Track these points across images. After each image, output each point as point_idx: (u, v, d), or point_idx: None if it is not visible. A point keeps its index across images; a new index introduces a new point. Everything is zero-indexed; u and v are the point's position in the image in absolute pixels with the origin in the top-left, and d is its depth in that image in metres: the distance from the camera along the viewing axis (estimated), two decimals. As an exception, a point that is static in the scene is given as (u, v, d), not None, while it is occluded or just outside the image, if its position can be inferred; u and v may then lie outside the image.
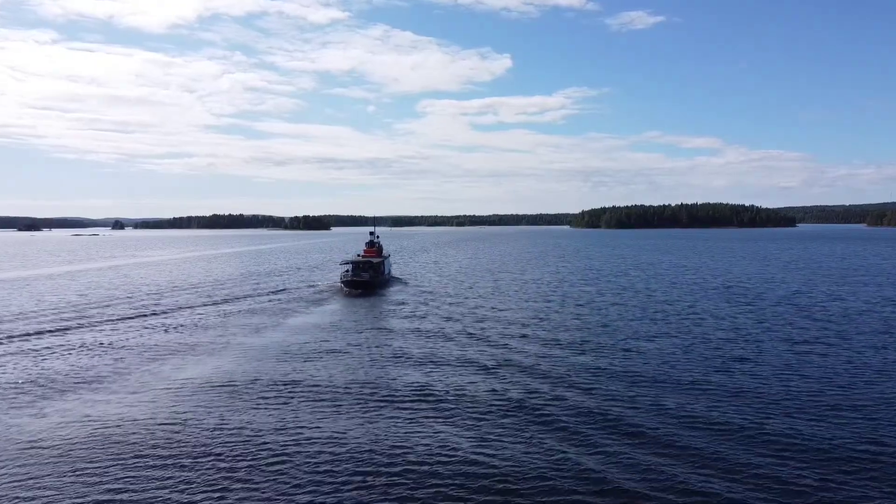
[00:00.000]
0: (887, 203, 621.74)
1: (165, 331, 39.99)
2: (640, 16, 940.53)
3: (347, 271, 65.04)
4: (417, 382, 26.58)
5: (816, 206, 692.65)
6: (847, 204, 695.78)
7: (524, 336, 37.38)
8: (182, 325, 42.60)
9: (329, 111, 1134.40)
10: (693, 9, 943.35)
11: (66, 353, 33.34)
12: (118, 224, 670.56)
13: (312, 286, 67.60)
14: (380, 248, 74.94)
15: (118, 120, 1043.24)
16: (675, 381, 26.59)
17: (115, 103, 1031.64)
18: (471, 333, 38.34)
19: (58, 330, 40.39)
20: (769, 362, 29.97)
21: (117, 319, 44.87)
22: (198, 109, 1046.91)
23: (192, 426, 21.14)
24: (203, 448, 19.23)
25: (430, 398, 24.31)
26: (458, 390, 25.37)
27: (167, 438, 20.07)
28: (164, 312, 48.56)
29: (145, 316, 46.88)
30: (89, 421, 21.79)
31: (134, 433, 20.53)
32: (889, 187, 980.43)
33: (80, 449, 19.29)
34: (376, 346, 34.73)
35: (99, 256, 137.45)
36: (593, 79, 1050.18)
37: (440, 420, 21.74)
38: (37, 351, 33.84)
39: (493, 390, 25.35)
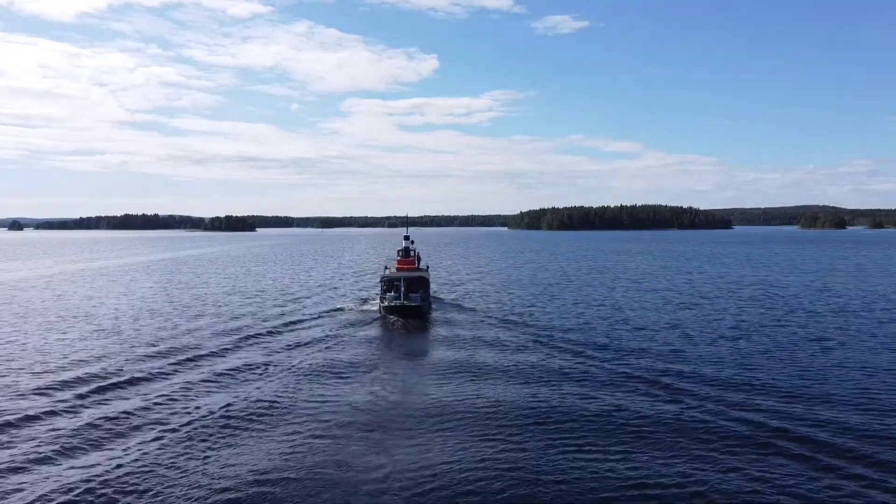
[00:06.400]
0: (800, 206, 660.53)
1: None
2: (565, 20, 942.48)
3: (394, 292, 46.62)
4: None
5: (736, 209, 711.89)
6: (763, 207, 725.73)
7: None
8: None
9: (251, 108, 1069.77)
10: (616, 15, 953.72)
11: None
12: (15, 224, 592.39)
13: (338, 310, 48.45)
14: (418, 258, 53.88)
15: (21, 114, 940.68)
16: None
17: (17, 95, 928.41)
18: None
19: None
20: None
21: None
22: (109, 104, 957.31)
23: None
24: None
25: None
26: None
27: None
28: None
29: None
30: None
31: None
32: (793, 191, 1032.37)
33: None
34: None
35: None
36: (519, 81, 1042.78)
37: None
38: None
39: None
